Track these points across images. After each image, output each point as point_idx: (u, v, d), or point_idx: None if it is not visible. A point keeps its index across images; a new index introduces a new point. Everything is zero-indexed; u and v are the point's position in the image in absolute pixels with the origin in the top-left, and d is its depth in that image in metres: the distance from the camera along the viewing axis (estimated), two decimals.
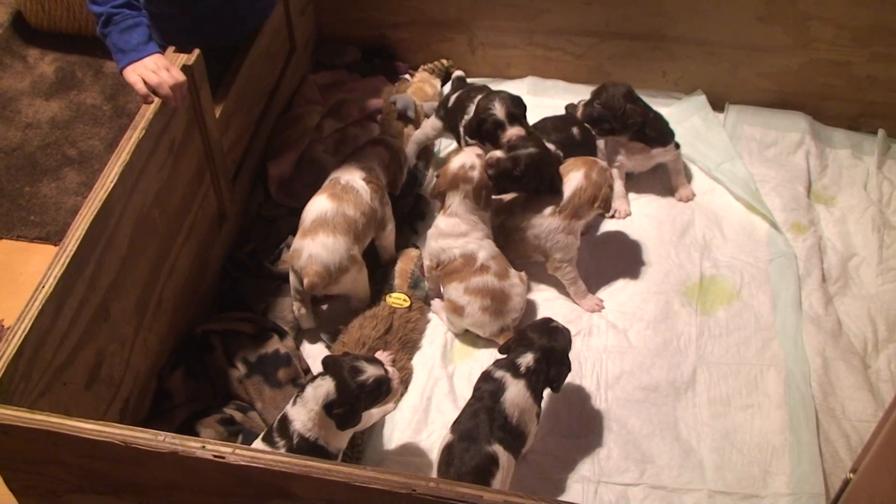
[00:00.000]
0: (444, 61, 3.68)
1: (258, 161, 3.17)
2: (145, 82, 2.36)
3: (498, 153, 2.81)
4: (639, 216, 3.16)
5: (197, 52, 2.49)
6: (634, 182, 3.30)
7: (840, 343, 2.82)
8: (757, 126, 3.48)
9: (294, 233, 2.92)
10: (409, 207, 3.20)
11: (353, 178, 2.86)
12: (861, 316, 2.92)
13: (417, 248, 3.04)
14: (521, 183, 2.83)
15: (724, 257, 3.07)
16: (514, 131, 2.89)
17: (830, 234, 3.18)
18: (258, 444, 2.28)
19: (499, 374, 2.43)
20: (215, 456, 1.74)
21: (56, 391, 2.02)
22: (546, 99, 3.58)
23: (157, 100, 2.36)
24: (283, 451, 2.22)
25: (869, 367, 2.80)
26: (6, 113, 3.59)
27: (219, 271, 2.93)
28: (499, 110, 2.91)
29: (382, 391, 2.30)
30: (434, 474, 2.43)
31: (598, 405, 2.68)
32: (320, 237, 2.73)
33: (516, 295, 2.78)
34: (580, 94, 3.58)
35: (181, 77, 2.41)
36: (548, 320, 2.55)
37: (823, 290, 2.96)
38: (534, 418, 2.43)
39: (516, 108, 2.95)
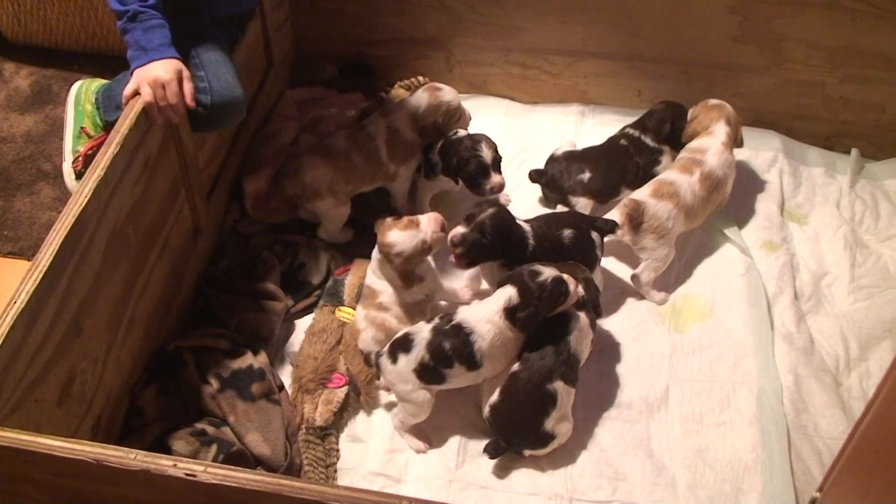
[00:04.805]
0: (421, 78, 3.69)
1: (234, 177, 3.17)
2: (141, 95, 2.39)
3: (460, 230, 2.62)
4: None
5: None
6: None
7: (812, 361, 2.84)
8: None
9: (269, 249, 2.99)
10: None
11: (378, 131, 3.08)
12: (833, 334, 2.94)
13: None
14: (492, 249, 2.65)
15: (696, 276, 3.09)
16: (497, 179, 2.93)
17: (803, 252, 3.20)
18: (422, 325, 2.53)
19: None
20: (187, 474, 1.74)
21: (27, 408, 2.00)
22: (522, 121, 3.61)
23: (131, 114, 2.36)
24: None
25: (841, 384, 2.82)
26: None
27: (193, 287, 2.91)
28: (486, 154, 2.92)
29: (563, 291, 2.43)
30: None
31: None
32: (317, 162, 3.03)
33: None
34: (556, 116, 3.61)
35: (179, 108, 2.45)
36: (574, 263, 2.70)
37: (796, 308, 2.98)
38: (588, 346, 2.62)
39: (497, 153, 2.97)
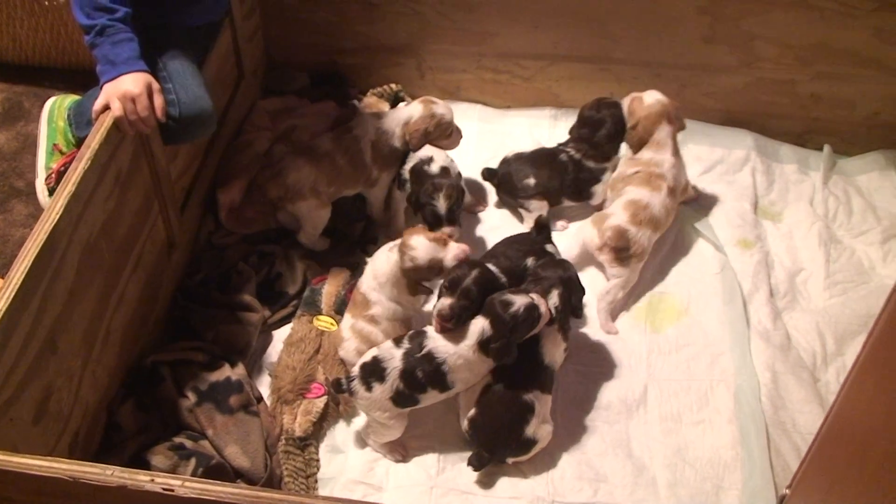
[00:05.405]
0: (393, 86, 3.70)
1: (208, 189, 3.16)
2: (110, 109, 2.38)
3: (447, 302, 2.48)
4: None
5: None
6: (574, 208, 3.32)
7: (789, 357, 2.85)
8: (703, 144, 3.52)
9: (245, 260, 2.97)
10: (361, 231, 3.21)
11: (365, 134, 3.09)
12: (810, 330, 2.96)
13: (351, 270, 3.02)
14: (479, 307, 2.52)
15: (671, 275, 3.11)
16: (447, 231, 2.83)
17: (777, 249, 3.22)
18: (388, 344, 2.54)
19: None
20: (164, 489, 1.73)
21: (3, 428, 1.98)
22: (496, 126, 3.63)
23: (102, 129, 2.35)
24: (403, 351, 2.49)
25: (818, 380, 2.84)
26: None
27: (169, 301, 2.90)
28: (441, 205, 2.87)
29: (535, 317, 2.43)
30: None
31: None
32: (301, 162, 3.04)
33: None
34: (529, 120, 3.61)
35: (150, 121, 2.45)
36: (551, 256, 2.75)
37: (772, 304, 3.00)
38: (562, 355, 2.62)
39: (458, 203, 2.91)
